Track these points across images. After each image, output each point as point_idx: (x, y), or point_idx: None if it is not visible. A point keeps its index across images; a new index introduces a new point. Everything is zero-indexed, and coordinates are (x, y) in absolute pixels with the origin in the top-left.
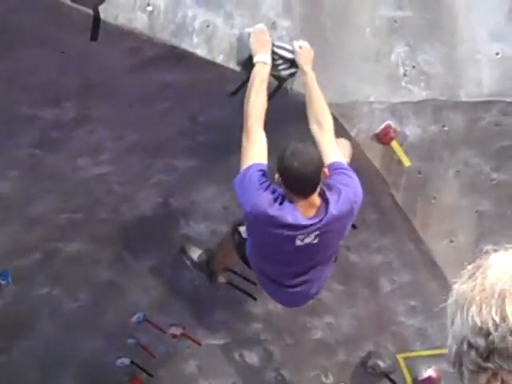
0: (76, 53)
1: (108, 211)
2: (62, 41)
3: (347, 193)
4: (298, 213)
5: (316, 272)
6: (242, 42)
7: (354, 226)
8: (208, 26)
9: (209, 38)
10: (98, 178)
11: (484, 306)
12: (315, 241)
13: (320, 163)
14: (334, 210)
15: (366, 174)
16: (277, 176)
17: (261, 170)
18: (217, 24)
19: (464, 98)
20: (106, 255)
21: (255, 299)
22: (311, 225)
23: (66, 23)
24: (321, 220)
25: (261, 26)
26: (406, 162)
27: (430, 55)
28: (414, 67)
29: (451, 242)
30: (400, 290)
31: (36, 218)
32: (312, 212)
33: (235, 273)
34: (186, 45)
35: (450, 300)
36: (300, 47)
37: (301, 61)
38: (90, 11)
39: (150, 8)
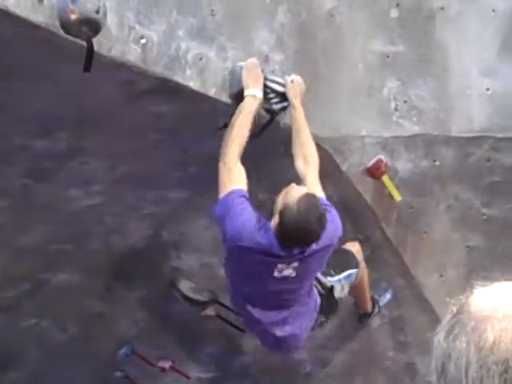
0: (69, 84)
1: (98, 242)
2: (55, 72)
3: (329, 228)
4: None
5: (294, 312)
6: (235, 76)
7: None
8: (201, 59)
9: (202, 70)
10: (89, 209)
11: None
12: (293, 274)
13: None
14: (315, 244)
15: (356, 208)
16: (275, 221)
17: (243, 196)
18: (210, 57)
19: (455, 133)
20: (95, 286)
21: (244, 332)
22: (293, 255)
23: (59, 54)
24: (302, 252)
25: (253, 60)
26: (397, 197)
27: (422, 90)
28: (405, 102)
29: (441, 276)
30: (390, 324)
31: (26, 248)
32: None
33: (223, 305)
34: (178, 77)
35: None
36: (292, 81)
37: (290, 94)
38: (84, 43)
39: (143, 41)
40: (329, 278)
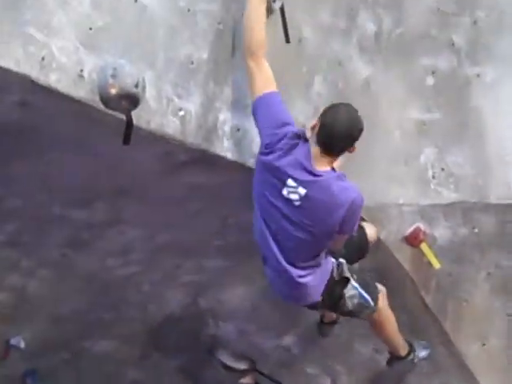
0: (108, 156)
1: (136, 310)
2: (95, 144)
3: (353, 189)
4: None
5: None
6: None
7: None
8: (238, 130)
9: (239, 141)
10: (127, 278)
11: None
12: (298, 202)
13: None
14: (334, 185)
15: (395, 276)
16: (315, 124)
17: (283, 102)
18: (246, 128)
19: (494, 200)
20: (133, 354)
21: None
22: (310, 173)
23: (99, 128)
24: (320, 175)
25: None
26: (436, 265)
27: (459, 157)
28: (442, 169)
29: (483, 345)
30: None
31: (64, 317)
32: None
33: (262, 373)
34: (216, 148)
35: None
36: None
37: None
38: (123, 116)
39: (181, 113)
40: (349, 273)
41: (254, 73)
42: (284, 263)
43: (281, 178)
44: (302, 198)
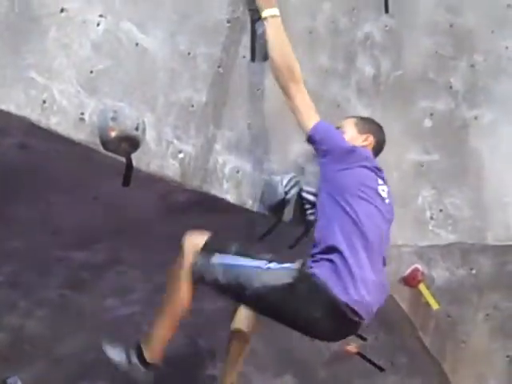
0: (108, 197)
1: None
2: (94, 186)
3: None
4: None
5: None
6: (271, 187)
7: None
8: (238, 172)
9: (238, 183)
10: (126, 318)
11: None
12: (388, 200)
13: None
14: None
15: (394, 317)
16: (367, 136)
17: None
18: (246, 169)
19: (492, 242)
20: None
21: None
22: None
23: (98, 169)
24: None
25: None
26: (435, 306)
27: (457, 198)
28: (441, 211)
29: None
30: None
31: (62, 357)
32: None
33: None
34: (216, 191)
35: None
36: None
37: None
38: (123, 158)
39: (181, 155)
40: None
41: (299, 97)
42: (379, 268)
43: (374, 178)
44: (388, 195)
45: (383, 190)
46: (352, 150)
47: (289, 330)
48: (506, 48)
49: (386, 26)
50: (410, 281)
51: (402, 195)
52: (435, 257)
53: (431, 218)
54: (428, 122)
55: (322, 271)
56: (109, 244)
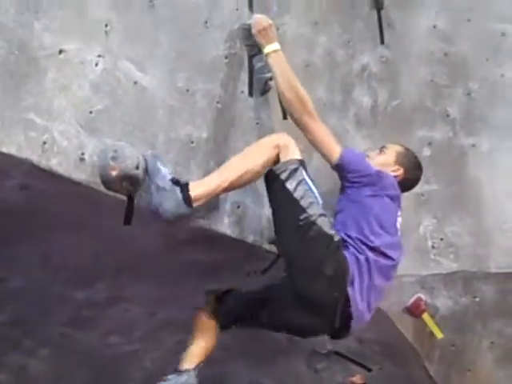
0: (109, 235)
1: None
2: (95, 224)
3: None
4: None
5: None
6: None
7: None
8: (238, 207)
9: (239, 218)
10: (129, 355)
11: None
12: (399, 232)
13: None
14: None
15: (398, 347)
16: (398, 168)
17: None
18: (247, 204)
19: (494, 269)
20: None
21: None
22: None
23: (99, 208)
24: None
25: (260, 16)
26: (439, 335)
27: (458, 227)
28: (442, 239)
29: None
30: None
31: None
32: None
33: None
34: (216, 226)
35: None
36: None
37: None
38: (124, 197)
39: None
40: None
41: (317, 129)
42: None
43: (395, 210)
44: (400, 227)
45: (399, 222)
46: (380, 177)
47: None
48: (502, 75)
49: (382, 57)
50: (414, 310)
51: (402, 225)
52: (438, 286)
53: (433, 246)
54: (426, 151)
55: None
56: (111, 281)
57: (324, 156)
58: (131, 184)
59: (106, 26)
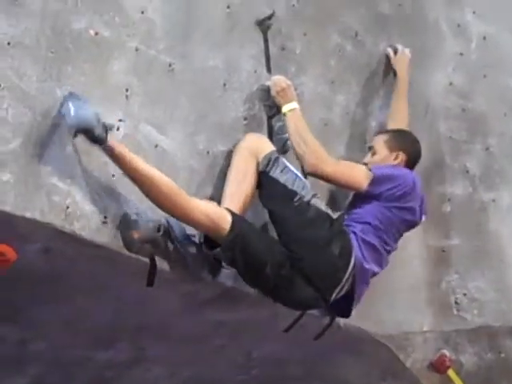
0: (131, 297)
1: None
2: (118, 287)
3: None
4: None
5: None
6: None
7: None
8: None
9: None
10: None
11: None
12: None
13: None
14: None
15: None
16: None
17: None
18: None
19: None
20: None
21: None
22: None
23: (122, 271)
24: None
25: (278, 77)
26: None
27: (481, 282)
28: (465, 295)
29: None
30: None
31: None
32: None
33: None
34: (240, 285)
35: None
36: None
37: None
38: (146, 259)
39: None
40: None
41: (336, 170)
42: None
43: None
44: None
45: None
46: (412, 189)
47: None
48: None
49: None
50: (439, 367)
51: (424, 281)
52: (462, 341)
53: (456, 302)
54: (446, 207)
55: None
56: (133, 342)
57: (351, 188)
58: (153, 246)
59: (127, 90)
